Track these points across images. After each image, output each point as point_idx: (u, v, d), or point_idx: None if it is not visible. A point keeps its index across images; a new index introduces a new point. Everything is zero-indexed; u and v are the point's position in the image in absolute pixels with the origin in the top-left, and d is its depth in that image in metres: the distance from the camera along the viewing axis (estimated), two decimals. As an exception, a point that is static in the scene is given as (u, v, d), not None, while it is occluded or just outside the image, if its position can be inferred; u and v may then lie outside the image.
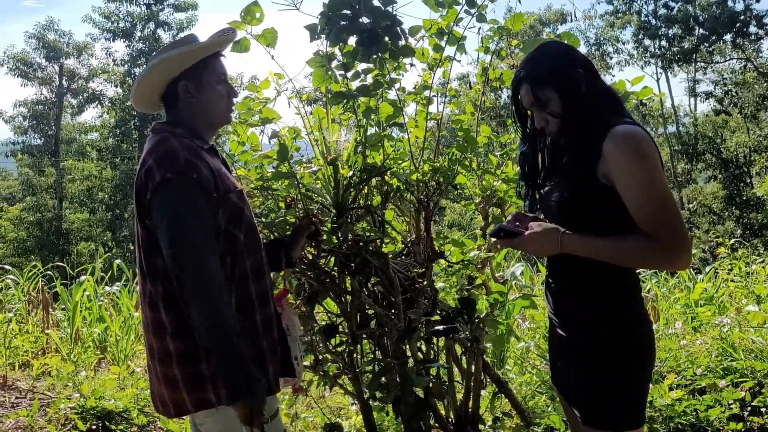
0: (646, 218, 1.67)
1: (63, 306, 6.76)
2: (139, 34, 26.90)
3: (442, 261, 2.98)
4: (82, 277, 6.68)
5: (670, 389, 3.39)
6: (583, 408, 1.83)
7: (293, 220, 2.58)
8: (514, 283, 5.11)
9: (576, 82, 1.82)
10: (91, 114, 45.73)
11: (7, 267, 8.26)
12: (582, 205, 1.78)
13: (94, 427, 3.70)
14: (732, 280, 5.85)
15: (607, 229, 1.74)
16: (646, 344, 1.81)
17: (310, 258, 2.66)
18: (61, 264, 11.32)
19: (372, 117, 2.63)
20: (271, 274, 2.33)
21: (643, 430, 1.83)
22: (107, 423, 3.69)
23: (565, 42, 1.96)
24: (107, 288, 7.19)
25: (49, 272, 8.11)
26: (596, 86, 1.84)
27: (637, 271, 1.89)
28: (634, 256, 1.71)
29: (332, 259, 2.71)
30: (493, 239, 1.94)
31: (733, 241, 8.18)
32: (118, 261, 8.07)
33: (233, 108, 2.10)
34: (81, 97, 27.85)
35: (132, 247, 22.77)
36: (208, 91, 1.98)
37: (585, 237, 1.76)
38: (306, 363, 2.80)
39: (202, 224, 1.80)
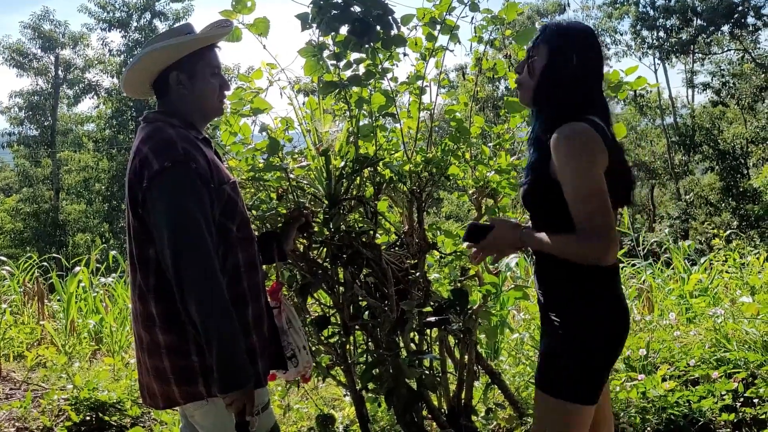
0: (573, 213, 1.76)
1: (58, 297, 6.75)
2: (135, 24, 26.77)
3: (435, 252, 2.98)
4: (77, 269, 6.66)
5: (663, 380, 3.39)
6: (538, 371, 1.93)
7: (285, 211, 2.56)
8: (508, 274, 5.11)
9: (565, 63, 1.86)
10: (87, 105, 45.69)
11: (3, 258, 8.24)
12: (539, 199, 1.88)
13: (87, 418, 3.69)
14: (726, 272, 5.85)
15: (563, 223, 1.80)
16: (607, 324, 1.87)
17: (302, 249, 2.65)
18: (57, 255, 11.31)
19: (364, 107, 2.62)
20: (263, 267, 2.33)
21: (589, 409, 1.87)
22: (101, 414, 3.68)
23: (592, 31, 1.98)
24: (102, 279, 7.17)
25: (45, 263, 8.10)
26: (578, 77, 1.87)
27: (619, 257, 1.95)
28: (565, 250, 1.80)
29: (324, 250, 2.70)
30: (465, 243, 2.03)
31: (728, 232, 8.19)
32: (113, 252, 8.04)
33: (224, 100, 2.09)
34: (77, 88, 27.74)
35: (129, 239, 22.69)
36: (201, 83, 1.96)
37: (538, 234, 1.86)
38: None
39: (203, 215, 1.79)
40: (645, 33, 27.73)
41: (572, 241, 1.77)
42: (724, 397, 3.28)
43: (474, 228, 1.98)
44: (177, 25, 2.06)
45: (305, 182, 2.68)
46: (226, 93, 2.06)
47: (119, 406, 3.76)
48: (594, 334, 1.85)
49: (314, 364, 2.88)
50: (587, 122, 1.80)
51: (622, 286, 2.01)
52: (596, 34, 1.95)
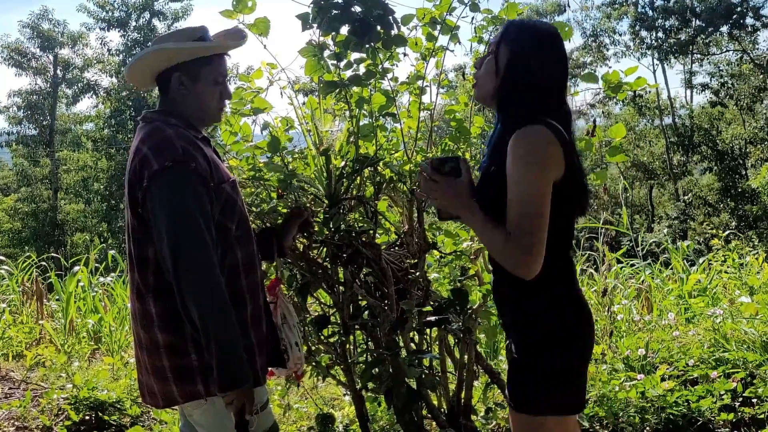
0: (508, 215, 1.71)
1: (57, 297, 6.74)
2: (134, 23, 26.73)
3: (435, 252, 2.98)
4: (76, 268, 6.65)
5: (662, 380, 3.39)
6: (508, 389, 1.86)
7: (284, 210, 2.57)
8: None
9: (526, 66, 1.79)
10: (86, 104, 45.42)
11: (1, 258, 8.22)
12: (493, 202, 1.78)
13: (87, 417, 3.69)
14: (725, 272, 5.86)
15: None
16: (571, 327, 1.81)
17: (302, 249, 2.65)
18: (55, 255, 11.29)
19: (365, 107, 2.62)
20: (263, 264, 2.33)
21: (571, 420, 1.85)
22: (100, 413, 3.68)
23: (557, 33, 1.93)
24: (101, 279, 7.16)
25: (43, 263, 8.08)
26: (539, 80, 1.81)
27: (576, 261, 1.91)
28: (490, 243, 1.75)
29: (324, 249, 2.70)
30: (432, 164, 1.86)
31: (727, 233, 8.19)
32: (112, 252, 8.03)
33: (224, 108, 2.09)
34: (76, 87, 27.69)
35: (127, 238, 22.66)
36: (203, 87, 1.96)
37: (482, 216, 1.77)
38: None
39: (202, 214, 1.80)
40: (644, 33, 27.72)
41: (499, 240, 1.71)
42: (722, 396, 3.29)
43: (450, 162, 1.85)
44: (191, 26, 2.05)
45: (306, 182, 2.69)
46: (227, 101, 2.07)
47: (119, 406, 3.76)
48: (560, 340, 1.78)
49: (314, 363, 2.89)
50: (546, 125, 1.74)
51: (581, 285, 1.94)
52: (560, 36, 1.86)
